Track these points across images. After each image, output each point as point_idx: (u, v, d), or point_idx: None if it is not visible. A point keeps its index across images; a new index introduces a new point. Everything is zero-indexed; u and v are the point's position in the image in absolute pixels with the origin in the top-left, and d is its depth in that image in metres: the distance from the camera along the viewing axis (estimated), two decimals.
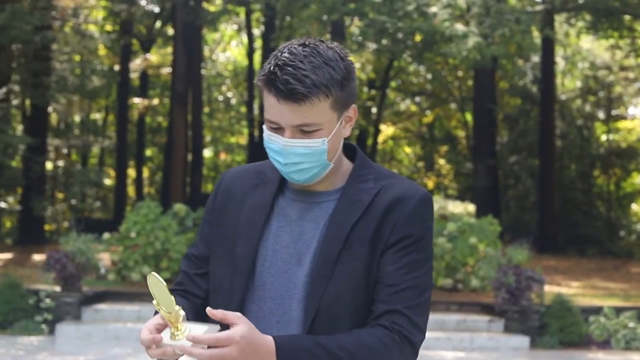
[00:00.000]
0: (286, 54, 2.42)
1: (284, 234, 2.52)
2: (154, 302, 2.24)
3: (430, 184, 39.71)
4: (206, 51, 39.36)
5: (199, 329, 2.24)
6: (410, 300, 2.41)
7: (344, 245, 2.44)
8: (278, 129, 2.45)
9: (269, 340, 2.29)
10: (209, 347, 2.21)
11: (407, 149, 42.55)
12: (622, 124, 36.68)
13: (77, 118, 39.15)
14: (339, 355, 2.31)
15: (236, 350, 2.21)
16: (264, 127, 2.49)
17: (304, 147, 2.43)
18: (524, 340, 14.00)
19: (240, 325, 2.24)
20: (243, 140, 41.89)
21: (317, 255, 2.46)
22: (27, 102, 29.81)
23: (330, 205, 2.52)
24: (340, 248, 2.43)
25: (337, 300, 2.41)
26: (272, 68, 2.41)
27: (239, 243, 2.54)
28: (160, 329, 2.28)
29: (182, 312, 2.24)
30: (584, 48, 36.74)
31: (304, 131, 2.43)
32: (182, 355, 2.22)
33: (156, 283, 2.23)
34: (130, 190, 38.37)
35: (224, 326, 2.27)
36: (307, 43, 2.45)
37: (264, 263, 2.51)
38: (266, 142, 2.49)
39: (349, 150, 2.64)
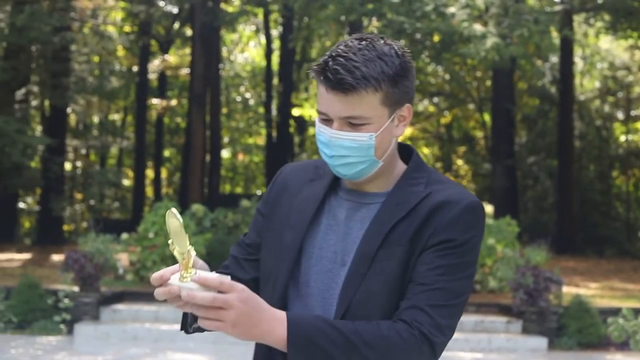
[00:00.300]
0: (342, 47, 2.42)
1: (332, 233, 2.51)
2: (169, 241, 2.23)
3: None
4: (224, 52, 39.44)
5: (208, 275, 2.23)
6: (436, 300, 2.36)
7: (383, 244, 2.41)
8: (327, 121, 2.45)
9: (278, 310, 2.28)
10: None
11: (425, 150, 42.48)
12: None
13: (95, 119, 39.27)
14: (353, 341, 2.27)
15: (238, 299, 2.18)
16: (316, 119, 2.49)
17: (351, 140, 2.41)
18: (542, 342, 13.95)
19: (243, 285, 2.23)
20: (261, 140, 41.93)
21: (356, 253, 2.44)
22: (46, 102, 29.94)
23: (378, 207, 2.49)
24: (378, 246, 2.41)
25: (368, 298, 2.39)
26: (325, 58, 2.41)
27: (288, 232, 2.54)
28: (174, 272, 2.26)
29: (194, 253, 2.22)
30: (603, 48, 36.63)
31: (351, 124, 2.41)
32: (188, 301, 2.19)
33: (173, 220, 2.22)
34: (149, 191, 38.50)
35: None
36: (364, 37, 2.44)
37: (309, 260, 2.50)
38: (316, 134, 2.48)
39: (406, 152, 2.61)
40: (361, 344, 2.28)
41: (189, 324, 2.49)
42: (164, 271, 2.25)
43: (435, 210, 2.42)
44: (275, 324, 2.25)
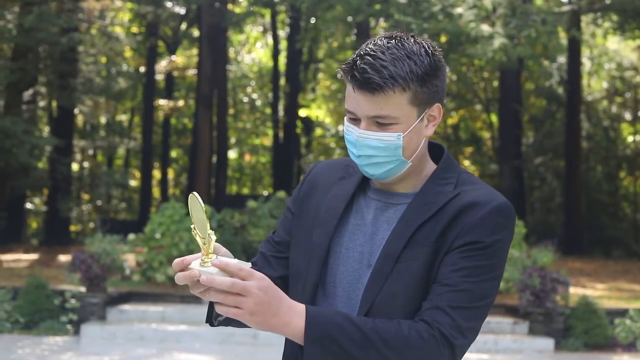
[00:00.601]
0: (370, 45, 2.39)
1: (359, 233, 2.49)
2: (192, 226, 2.24)
3: None
4: (231, 53, 39.46)
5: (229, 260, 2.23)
6: (459, 302, 2.33)
7: (408, 244, 2.38)
8: (355, 120, 2.42)
9: (298, 303, 2.27)
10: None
11: None
12: None
13: (103, 119, 39.35)
14: (371, 338, 2.25)
15: (257, 287, 2.17)
16: (345, 119, 2.47)
17: (378, 140, 2.39)
18: (548, 343, 13.94)
19: (262, 274, 2.22)
20: (268, 141, 41.94)
21: (381, 253, 2.42)
22: (54, 103, 30.01)
23: (405, 207, 2.47)
24: (403, 246, 2.38)
25: (391, 298, 2.37)
26: (354, 57, 2.39)
27: (316, 230, 2.52)
28: (196, 259, 2.25)
29: (214, 238, 2.22)
30: (611, 49, 36.59)
31: (379, 124, 2.38)
32: (207, 284, 2.18)
33: (195, 204, 2.22)
34: (156, 192, 38.53)
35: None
36: (393, 36, 2.42)
37: (336, 260, 2.49)
38: (345, 133, 2.46)
39: (436, 151, 2.59)
40: (379, 341, 2.26)
41: (214, 316, 2.47)
42: (186, 257, 2.25)
43: (463, 212, 2.39)
44: (293, 315, 2.24)
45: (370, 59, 2.35)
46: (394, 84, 2.33)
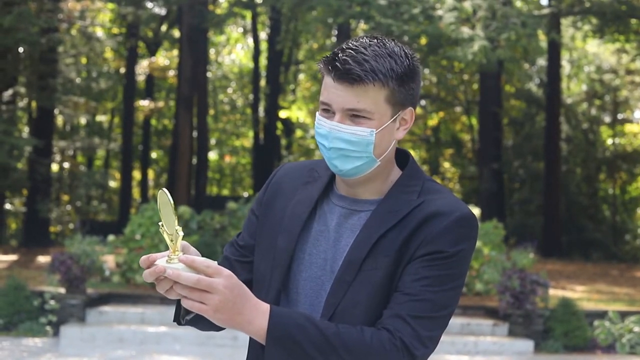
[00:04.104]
0: (352, 42, 2.42)
1: (322, 239, 2.48)
2: (160, 223, 2.23)
3: None
4: (212, 54, 39.44)
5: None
6: (420, 311, 2.32)
7: (370, 253, 2.38)
8: (328, 113, 2.43)
9: (263, 302, 2.27)
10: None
11: (412, 152, 42.51)
12: (627, 128, 36.69)
13: (82, 120, 39.18)
14: (333, 343, 2.25)
15: (223, 284, 2.17)
16: (317, 113, 2.47)
17: (351, 134, 2.38)
18: (528, 345, 13.97)
19: (230, 272, 2.21)
20: (248, 142, 41.93)
21: (344, 261, 2.41)
22: (33, 104, 29.89)
23: (369, 215, 2.46)
24: (365, 255, 2.38)
25: (352, 307, 2.37)
26: (335, 50, 2.41)
27: (281, 236, 2.51)
28: (164, 257, 2.24)
29: (181, 233, 2.21)
30: (590, 52, 36.78)
31: (353, 116, 2.38)
32: (173, 279, 2.17)
33: (165, 201, 2.21)
34: (135, 193, 38.46)
35: None
36: (375, 36, 2.45)
37: (299, 266, 2.48)
38: (316, 128, 2.46)
39: (402, 158, 2.58)
40: (341, 347, 2.25)
41: (182, 315, 2.47)
42: (152, 254, 2.24)
43: (426, 221, 2.38)
44: (257, 314, 2.24)
45: (352, 52, 2.37)
46: (374, 77, 2.35)
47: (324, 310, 2.39)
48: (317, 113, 2.47)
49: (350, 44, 2.40)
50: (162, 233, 2.23)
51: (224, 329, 2.53)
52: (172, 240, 2.21)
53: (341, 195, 2.52)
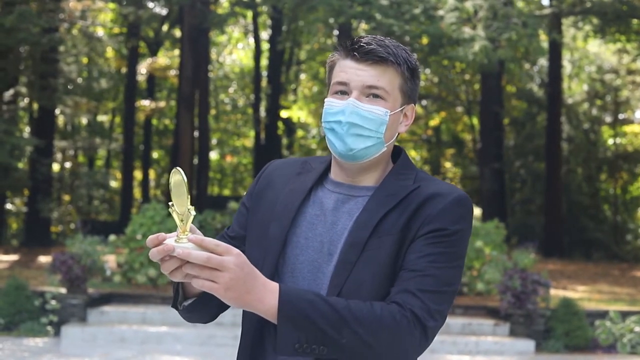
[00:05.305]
0: (367, 36, 2.54)
1: (318, 223, 2.52)
2: (170, 203, 2.23)
3: None
4: (213, 54, 39.38)
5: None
6: (427, 286, 2.36)
7: (373, 233, 2.43)
8: (343, 95, 2.50)
9: (271, 281, 2.29)
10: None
11: (414, 153, 42.50)
12: (629, 128, 36.64)
13: (84, 120, 39.21)
14: (344, 316, 2.27)
15: (234, 261, 2.18)
16: (326, 100, 2.53)
17: (368, 111, 2.47)
18: (529, 344, 13.98)
19: (239, 250, 2.22)
20: (249, 142, 41.91)
21: (345, 242, 2.45)
22: (35, 104, 29.88)
23: (367, 200, 2.51)
24: (368, 235, 2.42)
25: (358, 288, 2.39)
26: (354, 39, 2.51)
27: (273, 224, 2.55)
28: (171, 237, 2.24)
29: (194, 213, 2.21)
30: (591, 52, 36.75)
31: (371, 95, 2.47)
32: (183, 258, 2.17)
33: (178, 180, 2.20)
34: (137, 193, 38.42)
35: None
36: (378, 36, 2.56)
37: (294, 250, 2.51)
38: (327, 108, 2.52)
39: (395, 153, 2.67)
40: (352, 319, 2.27)
41: (179, 301, 2.48)
42: (161, 233, 2.23)
43: (426, 202, 2.45)
44: (267, 293, 2.25)
45: (372, 38, 2.50)
46: (395, 59, 2.47)
47: (329, 292, 2.41)
48: (326, 99, 2.53)
49: (366, 36, 2.52)
50: (171, 213, 2.22)
51: (215, 318, 2.61)
52: (182, 220, 2.21)
53: (337, 182, 2.57)
